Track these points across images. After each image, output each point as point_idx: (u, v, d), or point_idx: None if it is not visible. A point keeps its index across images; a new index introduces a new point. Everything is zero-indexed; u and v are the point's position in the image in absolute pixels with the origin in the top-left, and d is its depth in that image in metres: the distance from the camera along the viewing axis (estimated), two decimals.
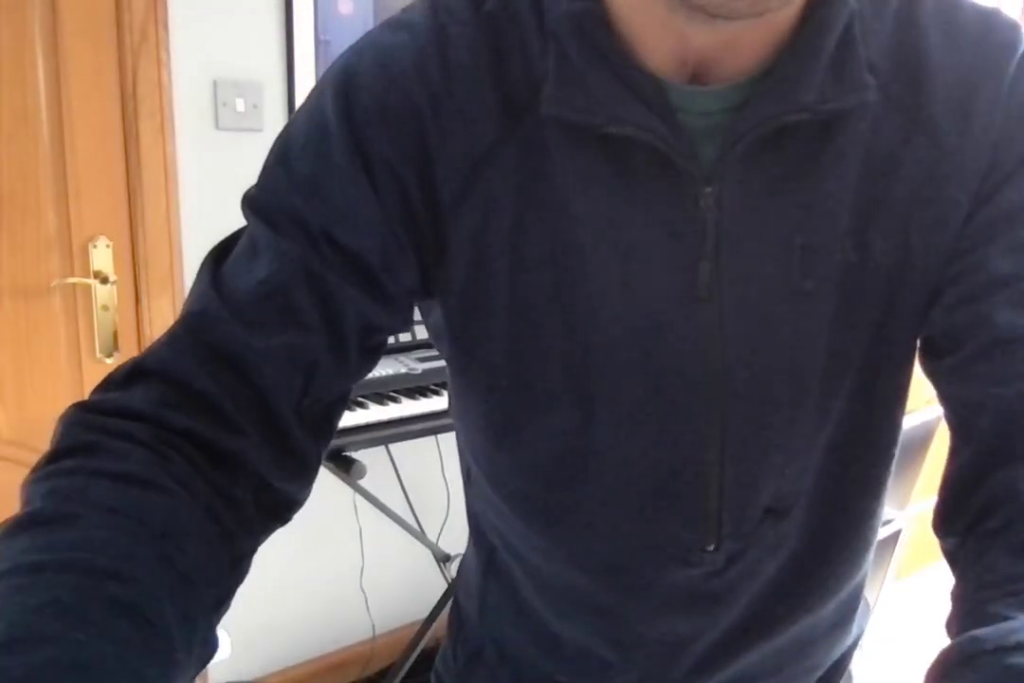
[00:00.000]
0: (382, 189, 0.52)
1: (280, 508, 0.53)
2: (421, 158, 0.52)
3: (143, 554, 0.40)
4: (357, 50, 0.53)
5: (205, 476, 0.47)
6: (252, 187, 0.54)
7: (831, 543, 0.62)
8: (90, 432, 0.46)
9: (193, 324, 0.50)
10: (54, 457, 0.45)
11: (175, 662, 0.39)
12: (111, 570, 0.38)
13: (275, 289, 0.50)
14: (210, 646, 0.43)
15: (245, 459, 0.49)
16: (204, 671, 2.03)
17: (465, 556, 0.77)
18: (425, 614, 1.99)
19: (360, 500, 2.00)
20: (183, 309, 0.52)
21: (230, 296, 0.50)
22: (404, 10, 0.54)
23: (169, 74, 1.72)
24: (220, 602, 0.46)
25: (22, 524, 0.41)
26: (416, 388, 1.85)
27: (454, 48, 0.51)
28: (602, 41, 0.49)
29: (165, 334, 0.51)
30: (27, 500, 0.43)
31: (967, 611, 0.45)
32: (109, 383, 0.50)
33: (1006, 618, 0.41)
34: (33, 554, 0.38)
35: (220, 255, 0.54)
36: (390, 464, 2.12)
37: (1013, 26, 0.53)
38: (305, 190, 0.51)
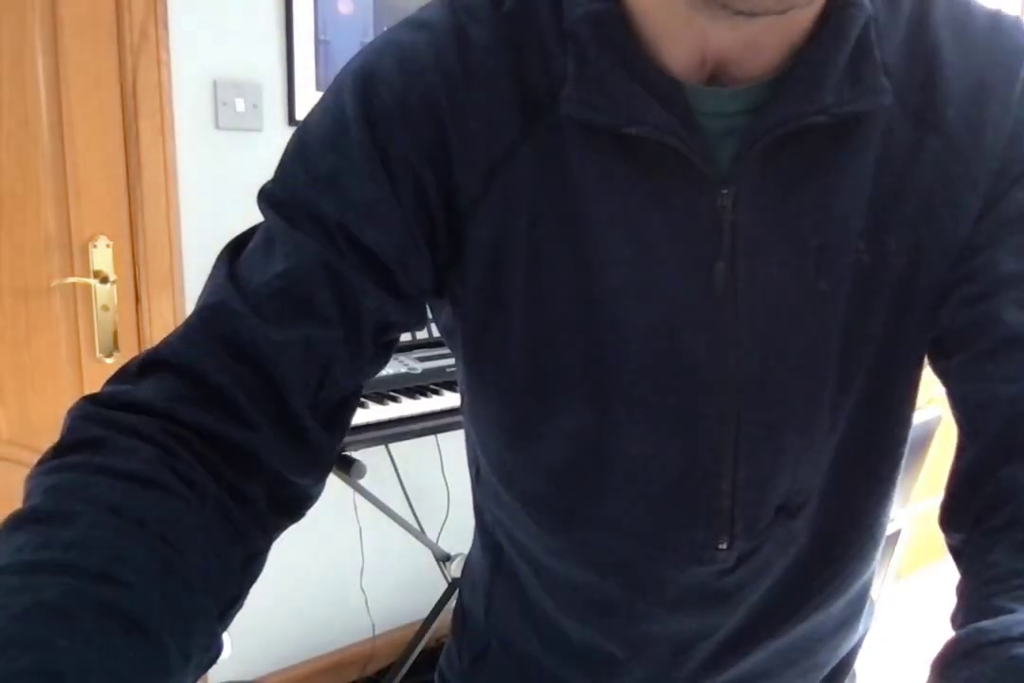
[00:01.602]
0: (400, 187, 0.52)
1: (293, 504, 0.52)
2: (439, 157, 0.52)
3: (140, 557, 0.40)
4: (376, 48, 0.53)
5: (216, 473, 0.46)
6: (268, 181, 0.54)
7: (841, 541, 0.63)
8: (98, 426, 0.45)
9: (210, 316, 0.50)
10: (60, 451, 0.45)
11: (167, 668, 0.38)
12: (105, 573, 0.38)
13: (293, 282, 0.50)
14: (212, 651, 0.43)
15: (258, 454, 0.49)
16: None
17: (470, 555, 0.77)
18: (425, 614, 1.99)
19: (360, 500, 2.00)
20: (199, 301, 0.52)
21: (247, 289, 0.50)
22: (422, 8, 0.54)
23: (169, 74, 1.72)
24: (229, 604, 0.45)
25: (22, 519, 0.40)
26: (416, 388, 1.85)
27: (473, 48, 0.51)
28: (621, 42, 0.49)
29: (181, 325, 0.51)
30: (28, 493, 0.42)
31: (971, 605, 0.46)
32: (122, 374, 0.49)
33: (1011, 611, 0.41)
34: (28, 552, 0.38)
35: (236, 249, 0.54)
36: (390, 464, 2.12)
37: (1022, 31, 0.53)
38: (323, 185, 0.51)
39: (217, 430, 0.47)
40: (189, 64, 1.75)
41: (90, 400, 0.48)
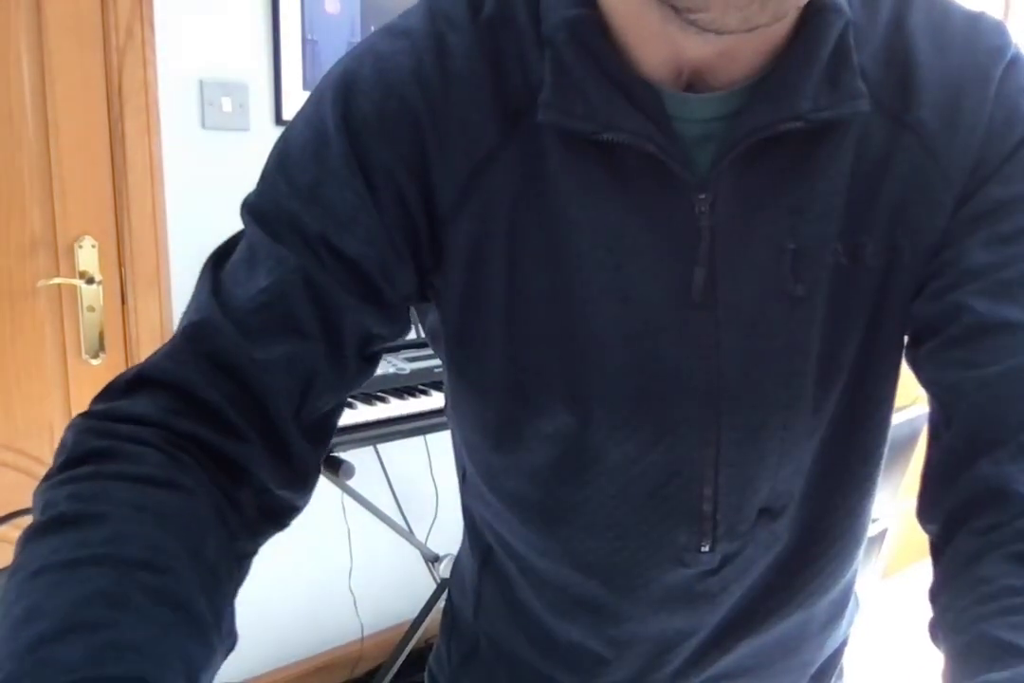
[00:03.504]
0: (381, 196, 0.52)
1: (279, 514, 0.53)
2: (419, 165, 0.52)
3: (173, 547, 0.42)
4: (355, 56, 0.53)
5: (213, 478, 0.48)
6: (251, 193, 0.54)
7: (823, 541, 0.63)
8: (102, 438, 0.47)
9: (194, 334, 0.51)
10: (68, 464, 0.46)
11: (213, 648, 0.41)
12: (145, 562, 0.40)
13: (275, 298, 0.51)
14: (233, 637, 0.45)
15: (248, 465, 0.50)
16: None
17: (459, 555, 0.78)
18: (414, 614, 1.99)
19: (348, 500, 2.00)
20: (184, 317, 0.52)
21: (230, 305, 0.51)
22: (401, 16, 0.55)
23: (155, 73, 1.71)
24: (233, 597, 0.47)
25: (47, 527, 0.41)
26: (404, 388, 1.85)
27: (452, 56, 0.52)
28: (598, 48, 0.49)
29: (167, 343, 0.51)
30: (47, 505, 0.43)
31: (962, 627, 0.44)
32: (110, 392, 0.50)
33: (1015, 646, 0.40)
34: (65, 552, 0.39)
35: (219, 261, 0.54)
36: (378, 464, 2.11)
37: (1000, 32, 0.54)
38: (304, 197, 0.52)
39: (211, 441, 0.48)
40: (175, 64, 1.74)
41: (86, 416, 0.49)
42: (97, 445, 0.46)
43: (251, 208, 0.53)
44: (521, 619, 0.69)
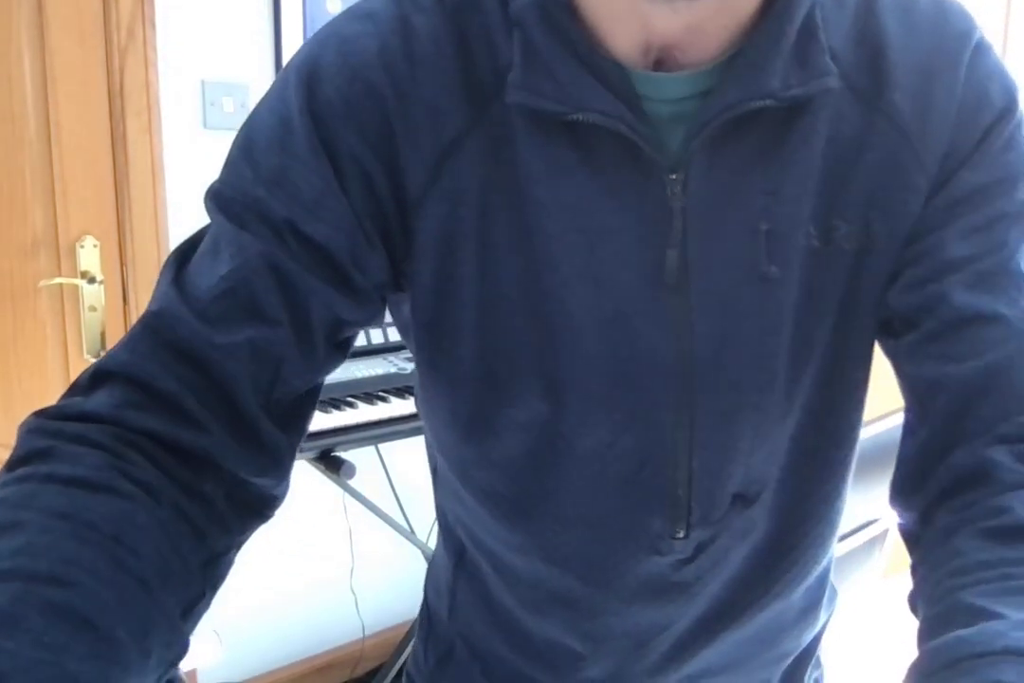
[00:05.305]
0: (348, 182, 0.51)
1: (257, 504, 0.52)
2: (386, 149, 0.52)
3: (90, 558, 0.40)
4: (319, 40, 0.53)
5: (171, 474, 0.46)
6: (215, 182, 0.54)
7: (798, 527, 0.63)
8: (46, 438, 0.45)
9: (153, 323, 0.50)
10: (9, 466, 0.45)
11: (124, 664, 0.38)
12: (52, 575, 0.38)
13: (237, 284, 0.50)
14: (176, 648, 0.43)
15: (211, 456, 0.48)
16: (193, 673, 2.03)
17: (434, 556, 0.77)
18: (415, 614, 1.98)
19: (350, 500, 2.00)
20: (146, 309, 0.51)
21: (192, 293, 0.50)
22: None
23: (157, 73, 1.72)
24: (191, 603, 0.45)
25: None
26: (405, 387, 1.84)
27: (417, 38, 0.51)
28: (567, 28, 0.49)
29: (126, 335, 0.50)
30: None
31: (938, 597, 0.45)
32: (72, 389, 0.49)
33: (986, 610, 0.41)
34: None
35: (184, 254, 0.53)
36: (380, 464, 2.11)
37: (965, 16, 0.55)
38: (270, 183, 0.51)
39: (167, 434, 0.47)
40: (177, 64, 1.75)
41: (39, 414, 0.48)
42: (38, 446, 0.45)
43: (215, 196, 0.53)
44: (496, 617, 0.68)
